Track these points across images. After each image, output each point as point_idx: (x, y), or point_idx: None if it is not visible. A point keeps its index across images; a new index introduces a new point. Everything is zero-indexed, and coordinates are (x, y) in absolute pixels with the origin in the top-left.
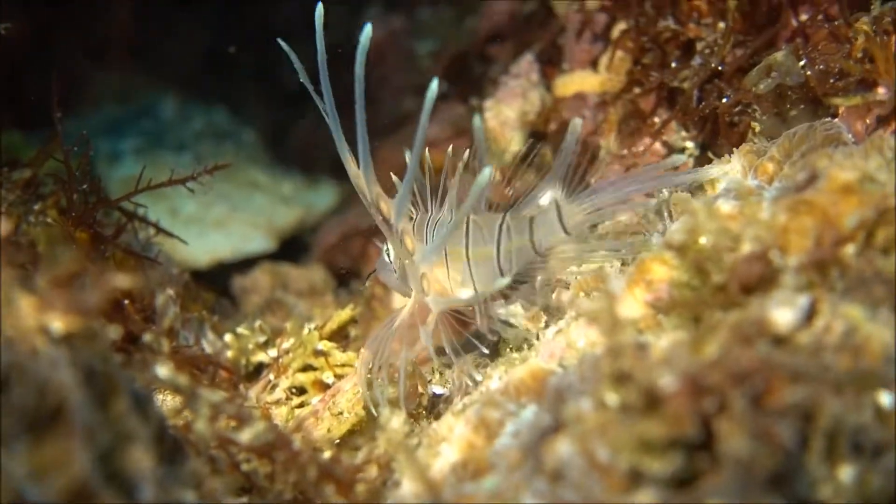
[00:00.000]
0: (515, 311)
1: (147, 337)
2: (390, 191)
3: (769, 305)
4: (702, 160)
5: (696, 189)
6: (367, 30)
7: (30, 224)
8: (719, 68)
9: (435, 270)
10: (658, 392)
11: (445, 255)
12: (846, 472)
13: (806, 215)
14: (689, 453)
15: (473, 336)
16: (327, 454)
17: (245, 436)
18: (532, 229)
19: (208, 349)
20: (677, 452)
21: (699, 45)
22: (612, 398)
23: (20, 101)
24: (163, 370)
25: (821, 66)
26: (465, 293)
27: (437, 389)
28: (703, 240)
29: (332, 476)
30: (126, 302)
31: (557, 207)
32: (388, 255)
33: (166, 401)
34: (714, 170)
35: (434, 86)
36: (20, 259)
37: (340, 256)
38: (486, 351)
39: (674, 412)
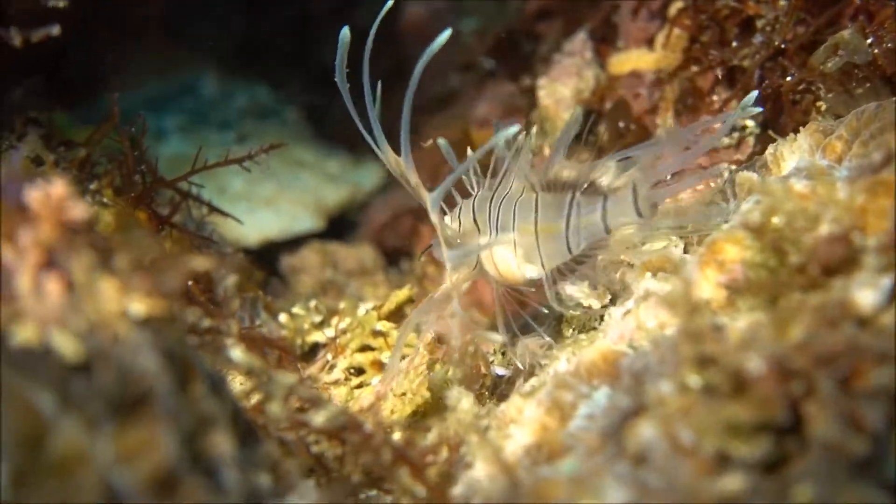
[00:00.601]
0: (580, 291)
1: (209, 321)
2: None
3: (852, 287)
4: (763, 138)
5: (761, 169)
6: (445, 34)
7: (87, 204)
8: (782, 46)
9: (497, 247)
10: (745, 375)
11: (514, 230)
12: None
13: (884, 196)
14: (777, 437)
15: (532, 316)
16: (397, 436)
17: (319, 418)
18: (605, 208)
19: (263, 329)
20: (766, 436)
21: (759, 23)
22: (694, 380)
23: (59, 79)
24: (237, 353)
25: (889, 45)
26: (531, 270)
27: (500, 370)
28: (776, 220)
29: (405, 459)
30: (191, 283)
31: (634, 189)
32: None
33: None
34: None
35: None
36: (99, 243)
37: (390, 235)
38: (544, 336)
39: (762, 395)
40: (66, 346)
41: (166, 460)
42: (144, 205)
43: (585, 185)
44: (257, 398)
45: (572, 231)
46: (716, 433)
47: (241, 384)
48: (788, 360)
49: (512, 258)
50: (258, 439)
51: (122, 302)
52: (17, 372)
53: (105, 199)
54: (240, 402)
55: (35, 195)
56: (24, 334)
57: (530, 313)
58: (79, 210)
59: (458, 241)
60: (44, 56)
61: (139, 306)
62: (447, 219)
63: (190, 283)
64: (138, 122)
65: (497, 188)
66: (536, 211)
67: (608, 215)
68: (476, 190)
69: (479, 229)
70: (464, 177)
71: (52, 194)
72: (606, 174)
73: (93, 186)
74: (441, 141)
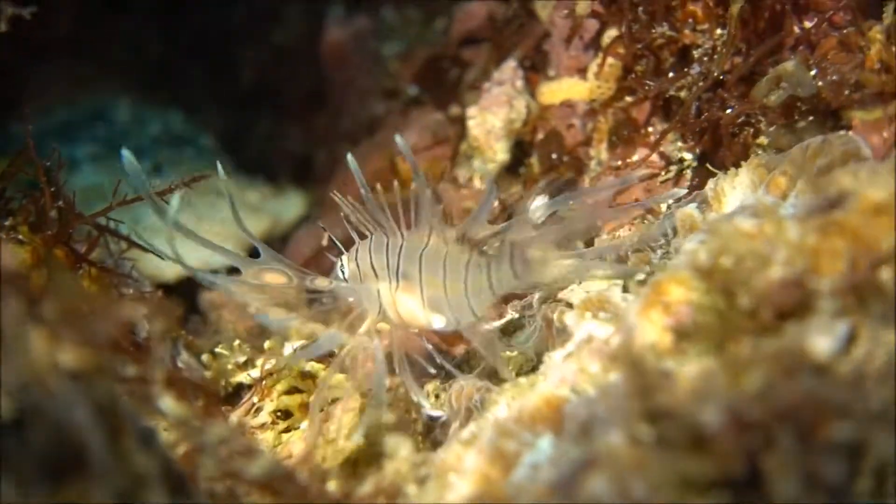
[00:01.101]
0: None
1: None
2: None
3: (807, 333)
4: (700, 172)
5: (702, 204)
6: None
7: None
8: (720, 77)
9: (402, 295)
10: (701, 428)
11: (421, 281)
12: None
13: (837, 237)
14: (733, 491)
15: (463, 359)
16: (332, 485)
17: (254, 470)
18: (490, 273)
19: (184, 371)
20: (722, 490)
21: (696, 53)
22: (646, 433)
23: None
24: (167, 403)
25: (834, 77)
26: (439, 320)
27: (434, 413)
28: (725, 261)
29: None
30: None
31: (512, 254)
32: (343, 271)
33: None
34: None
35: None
36: (26, 291)
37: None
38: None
39: (720, 449)
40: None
41: None
42: (62, 242)
43: (495, 245)
44: (184, 447)
45: (471, 293)
46: (671, 487)
47: (164, 430)
48: (746, 413)
49: (417, 307)
50: (189, 493)
51: (53, 354)
52: None
53: (21, 237)
54: (169, 454)
55: None
56: None
57: (461, 357)
58: (7, 258)
59: (353, 284)
60: None
61: (70, 358)
62: (343, 259)
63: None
64: (53, 155)
65: (399, 236)
66: (444, 267)
67: (493, 279)
68: (372, 233)
69: (375, 274)
70: (353, 218)
71: None
72: (521, 230)
73: (7, 223)
74: (349, 157)
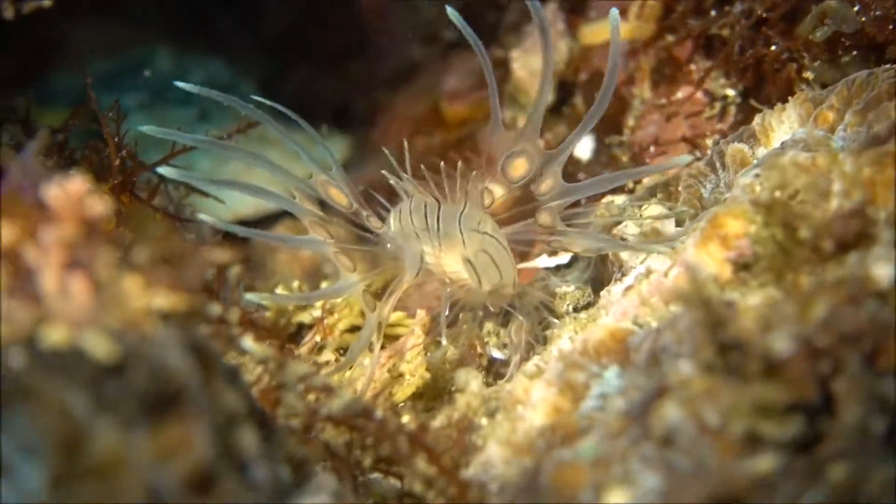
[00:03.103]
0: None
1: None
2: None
3: (868, 262)
4: (744, 108)
5: (750, 139)
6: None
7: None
8: (764, 15)
9: (447, 256)
10: (773, 356)
11: (463, 241)
12: None
13: (892, 168)
14: (808, 416)
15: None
16: (406, 419)
17: (335, 406)
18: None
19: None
20: (797, 416)
21: None
22: (717, 362)
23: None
24: (249, 343)
25: (877, 13)
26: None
27: (496, 353)
28: (783, 193)
29: (422, 445)
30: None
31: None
32: (391, 225)
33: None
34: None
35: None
36: (118, 238)
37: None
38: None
39: (793, 376)
40: (100, 346)
41: (203, 458)
42: (127, 190)
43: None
44: (264, 385)
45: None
46: (745, 414)
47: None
48: (815, 340)
49: (459, 266)
50: (272, 429)
51: (148, 299)
52: (49, 375)
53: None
54: (251, 392)
55: (54, 193)
56: (54, 336)
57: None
58: (99, 206)
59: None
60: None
61: (164, 302)
62: (391, 215)
63: None
64: (113, 106)
65: (435, 200)
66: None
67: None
68: (411, 190)
69: (417, 235)
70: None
71: (70, 191)
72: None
73: (72, 173)
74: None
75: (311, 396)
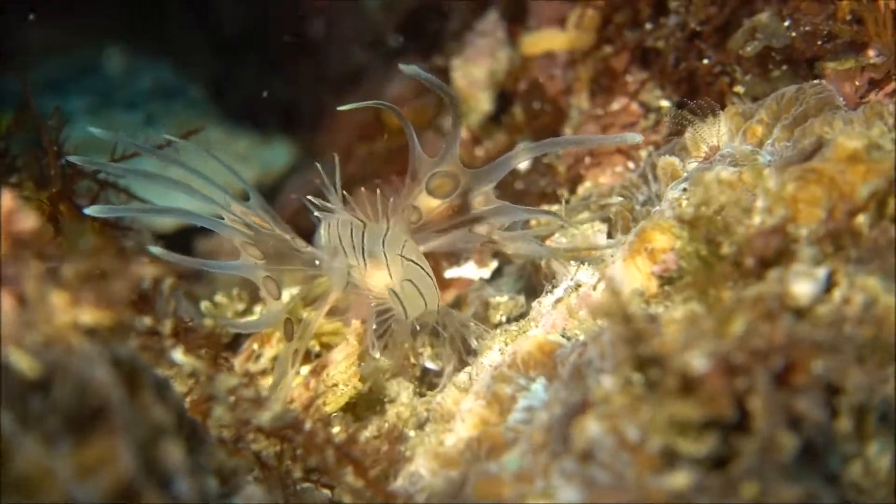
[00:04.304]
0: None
1: (147, 321)
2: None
3: (788, 278)
4: (678, 118)
5: (681, 151)
6: None
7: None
8: (697, 29)
9: (372, 273)
10: (690, 373)
11: (386, 260)
12: (874, 448)
13: (815, 185)
14: (723, 433)
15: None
16: (336, 430)
17: (263, 418)
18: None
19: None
20: (712, 432)
21: (672, 4)
22: (637, 377)
23: None
24: (179, 355)
25: (806, 28)
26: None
27: (429, 364)
28: (707, 209)
29: (349, 458)
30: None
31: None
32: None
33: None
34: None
35: None
36: (48, 252)
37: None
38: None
39: (709, 393)
40: (23, 363)
41: (126, 473)
42: (66, 199)
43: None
44: (195, 396)
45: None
46: (662, 430)
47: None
48: (732, 357)
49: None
50: (202, 441)
51: (74, 314)
52: None
53: (26, 193)
54: (182, 403)
55: None
56: None
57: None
58: (28, 222)
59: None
60: None
61: (89, 317)
62: (321, 227)
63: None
64: (54, 113)
65: (360, 221)
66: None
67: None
68: (336, 209)
69: (343, 249)
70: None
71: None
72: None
73: (13, 180)
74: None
75: (241, 408)
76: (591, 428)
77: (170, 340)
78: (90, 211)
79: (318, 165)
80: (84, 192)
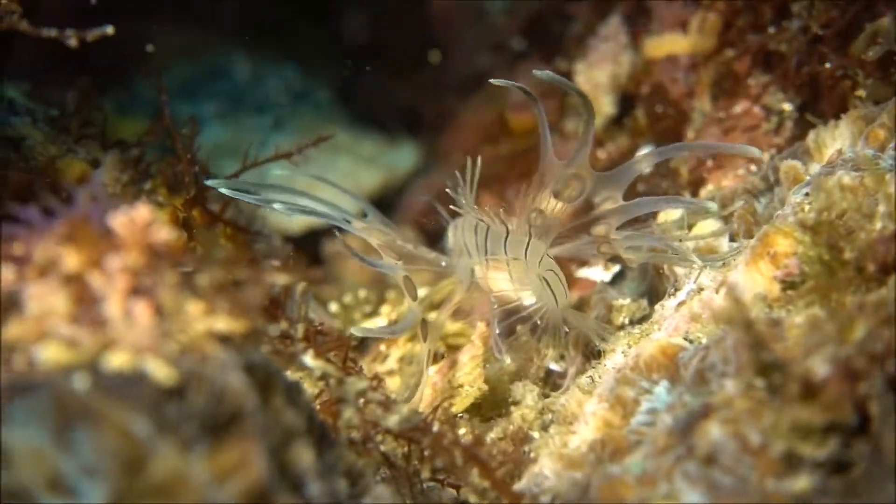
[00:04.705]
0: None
1: (282, 324)
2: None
3: None
4: (801, 123)
5: (804, 155)
6: None
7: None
8: (819, 33)
9: (493, 273)
10: (812, 378)
11: (508, 263)
12: None
13: None
14: (845, 437)
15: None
16: (463, 432)
17: (391, 421)
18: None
19: (315, 319)
20: (834, 436)
21: (795, 8)
22: (760, 382)
23: (88, 66)
24: (310, 359)
25: None
26: (528, 297)
27: (553, 366)
28: (829, 215)
29: (476, 459)
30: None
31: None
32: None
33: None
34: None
35: None
36: (183, 263)
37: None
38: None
39: (830, 398)
40: (160, 371)
41: (260, 477)
42: (199, 204)
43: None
44: (325, 399)
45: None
46: (784, 434)
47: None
48: (853, 362)
49: (507, 285)
50: (332, 443)
51: (209, 323)
52: (112, 398)
53: (160, 199)
54: (313, 406)
55: (120, 220)
56: (117, 361)
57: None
58: (164, 233)
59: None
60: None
61: (224, 326)
62: (449, 229)
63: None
64: (189, 120)
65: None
66: (525, 254)
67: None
68: (466, 211)
69: (468, 250)
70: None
71: (136, 219)
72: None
73: (147, 186)
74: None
75: (369, 411)
76: (714, 432)
77: (302, 345)
78: (212, 183)
79: (456, 171)
80: (215, 199)
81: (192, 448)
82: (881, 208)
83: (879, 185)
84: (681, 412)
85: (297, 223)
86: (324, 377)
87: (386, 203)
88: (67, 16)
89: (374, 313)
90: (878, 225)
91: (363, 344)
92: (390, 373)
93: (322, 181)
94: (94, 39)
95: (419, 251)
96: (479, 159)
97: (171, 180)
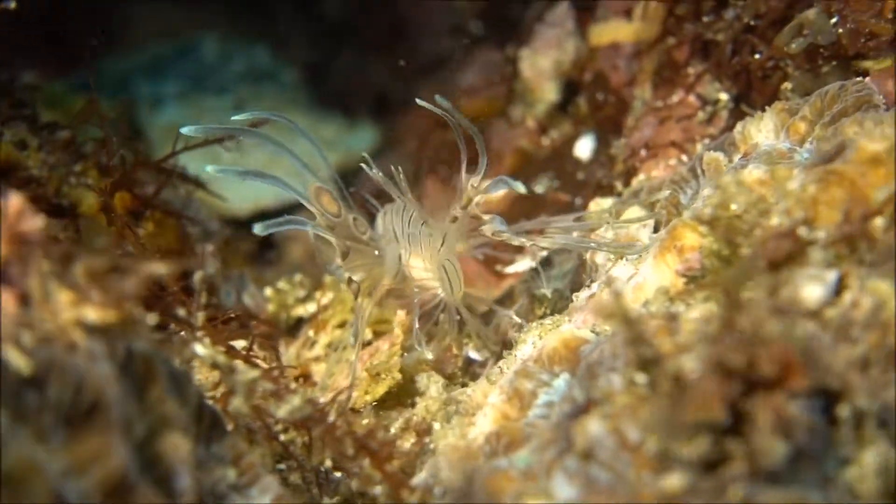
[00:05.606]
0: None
1: (182, 311)
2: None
3: (798, 281)
4: (735, 112)
5: (730, 147)
6: None
7: (71, 186)
8: (751, 23)
9: (413, 260)
10: (684, 376)
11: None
12: (871, 453)
13: (835, 187)
14: (717, 436)
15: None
16: (365, 421)
17: (281, 411)
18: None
19: (250, 304)
20: (705, 435)
21: None
22: (641, 378)
23: (58, 43)
24: (201, 348)
25: (851, 26)
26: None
27: (473, 355)
28: (734, 206)
29: (367, 450)
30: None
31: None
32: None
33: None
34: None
35: None
36: (56, 252)
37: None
38: (513, 316)
39: (701, 396)
40: (18, 360)
41: (118, 468)
42: (126, 188)
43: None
44: (224, 389)
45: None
46: (658, 431)
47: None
48: (728, 360)
49: (423, 272)
50: (224, 431)
51: (77, 312)
52: None
53: (89, 181)
54: (205, 394)
55: None
56: None
57: (503, 294)
58: (35, 222)
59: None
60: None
61: (94, 315)
62: (379, 214)
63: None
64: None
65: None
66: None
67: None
68: (398, 199)
69: (396, 237)
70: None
71: (7, 209)
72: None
73: (78, 168)
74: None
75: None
76: (593, 427)
77: (198, 332)
78: (186, 130)
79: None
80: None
81: (48, 438)
82: (781, 204)
83: (787, 181)
84: (566, 406)
85: (250, 203)
86: (215, 366)
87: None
88: None
89: (308, 298)
90: (775, 221)
91: (297, 328)
92: (317, 359)
93: (286, 152)
94: None
95: (357, 229)
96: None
97: (104, 161)
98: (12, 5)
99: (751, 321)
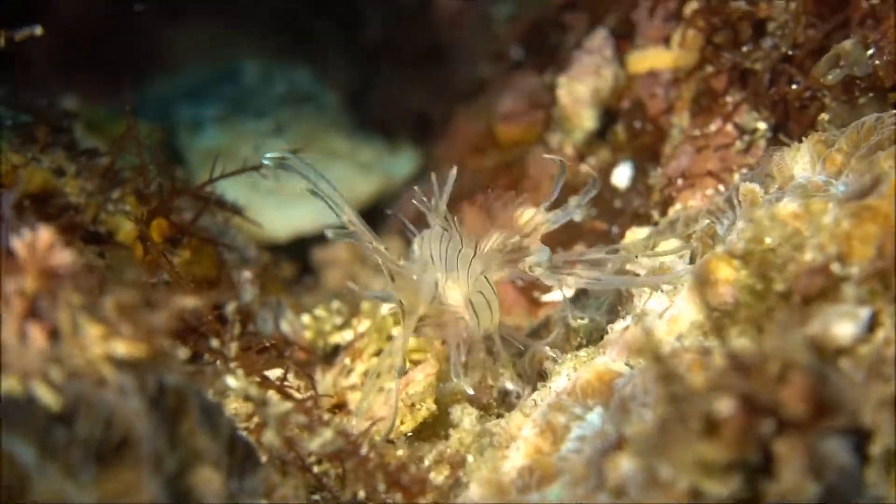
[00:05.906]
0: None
1: (215, 342)
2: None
3: (831, 318)
4: (773, 142)
5: (767, 178)
6: None
7: (108, 213)
8: (789, 53)
9: (450, 287)
10: (714, 415)
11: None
12: None
13: (869, 222)
14: (749, 475)
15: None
16: (399, 452)
17: (313, 444)
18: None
19: (287, 330)
20: (736, 474)
21: (770, 26)
22: (671, 414)
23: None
24: (233, 380)
25: (888, 58)
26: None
27: (509, 385)
28: (767, 240)
29: (399, 485)
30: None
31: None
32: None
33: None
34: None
35: None
36: (87, 284)
37: (422, 228)
38: (547, 350)
39: (733, 435)
40: (46, 396)
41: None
42: (163, 215)
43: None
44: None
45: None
46: (689, 470)
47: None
48: (758, 399)
49: (460, 300)
50: (258, 463)
51: (107, 346)
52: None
53: (127, 207)
54: (238, 426)
55: (21, 244)
56: (6, 385)
57: (540, 323)
58: (64, 256)
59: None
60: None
61: (123, 349)
62: (416, 241)
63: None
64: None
65: (451, 238)
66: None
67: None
68: (434, 224)
69: (433, 261)
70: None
71: (37, 242)
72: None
73: (115, 195)
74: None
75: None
76: (625, 464)
77: (227, 365)
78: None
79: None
80: (186, 207)
81: (78, 474)
82: (814, 239)
83: (821, 216)
84: (598, 441)
85: (284, 231)
86: (247, 399)
87: (380, 210)
88: (90, 14)
89: (345, 325)
90: (808, 256)
91: (334, 355)
92: (353, 387)
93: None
94: (20, 40)
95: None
96: (454, 169)
97: (141, 190)
98: (38, 31)
99: (783, 358)
